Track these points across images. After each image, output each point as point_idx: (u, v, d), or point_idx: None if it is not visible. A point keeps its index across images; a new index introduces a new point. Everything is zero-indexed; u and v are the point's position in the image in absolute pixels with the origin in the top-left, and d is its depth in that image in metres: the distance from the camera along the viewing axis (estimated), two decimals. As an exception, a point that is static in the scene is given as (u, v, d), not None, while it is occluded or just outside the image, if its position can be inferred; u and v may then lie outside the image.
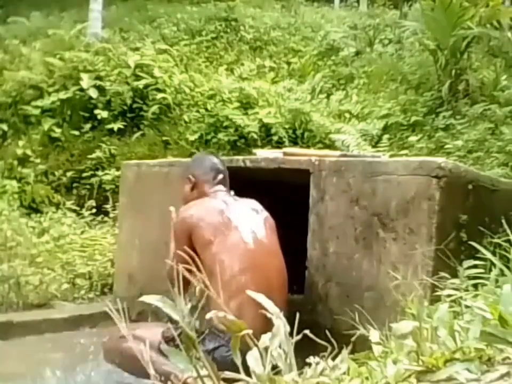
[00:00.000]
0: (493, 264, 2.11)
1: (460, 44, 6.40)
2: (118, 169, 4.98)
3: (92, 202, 5.34)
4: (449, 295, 1.84)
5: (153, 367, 1.15)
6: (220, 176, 2.80)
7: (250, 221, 2.64)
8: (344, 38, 8.71)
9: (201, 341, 2.33)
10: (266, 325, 1.57)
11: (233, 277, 2.45)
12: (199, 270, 1.20)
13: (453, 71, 6.42)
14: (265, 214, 2.70)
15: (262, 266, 2.52)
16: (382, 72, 7.48)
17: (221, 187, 2.78)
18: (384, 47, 8.54)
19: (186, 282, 1.17)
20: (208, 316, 1.18)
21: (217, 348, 2.35)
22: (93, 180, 5.69)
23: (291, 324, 1.30)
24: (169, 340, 2.37)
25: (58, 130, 5.98)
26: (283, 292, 2.55)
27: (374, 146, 5.81)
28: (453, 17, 6.23)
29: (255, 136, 5.90)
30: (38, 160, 5.83)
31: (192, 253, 1.34)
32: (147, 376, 1.37)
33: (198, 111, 6.21)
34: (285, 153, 3.17)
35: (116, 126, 6.05)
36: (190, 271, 1.23)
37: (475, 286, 1.95)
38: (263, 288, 2.31)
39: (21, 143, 5.91)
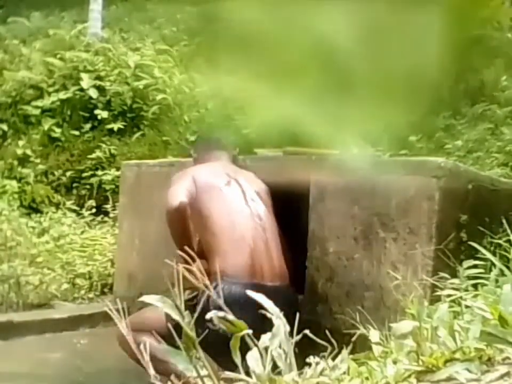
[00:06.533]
0: (493, 264, 2.11)
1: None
2: (118, 169, 4.98)
3: (92, 202, 5.34)
4: (449, 295, 1.84)
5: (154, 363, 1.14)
6: (214, 147, 2.94)
7: (242, 185, 2.71)
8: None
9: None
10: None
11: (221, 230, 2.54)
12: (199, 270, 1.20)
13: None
14: (261, 186, 2.78)
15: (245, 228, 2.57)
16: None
17: (217, 156, 2.89)
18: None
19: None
20: (208, 316, 1.18)
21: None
22: (93, 179, 5.69)
23: (291, 324, 1.30)
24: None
25: (58, 130, 5.98)
26: (274, 263, 2.55)
27: (373, 146, 5.80)
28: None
29: (256, 135, 5.90)
30: (38, 160, 5.83)
31: (192, 253, 1.33)
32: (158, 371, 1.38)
33: (198, 111, 6.21)
34: (285, 152, 3.17)
35: (116, 126, 6.05)
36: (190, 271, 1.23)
37: (475, 286, 1.95)
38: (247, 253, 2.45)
39: (21, 143, 5.91)
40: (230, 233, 2.52)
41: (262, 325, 2.45)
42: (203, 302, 2.27)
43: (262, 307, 1.31)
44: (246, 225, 2.56)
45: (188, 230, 2.55)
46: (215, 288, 2.33)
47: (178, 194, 2.60)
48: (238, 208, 2.61)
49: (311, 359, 1.25)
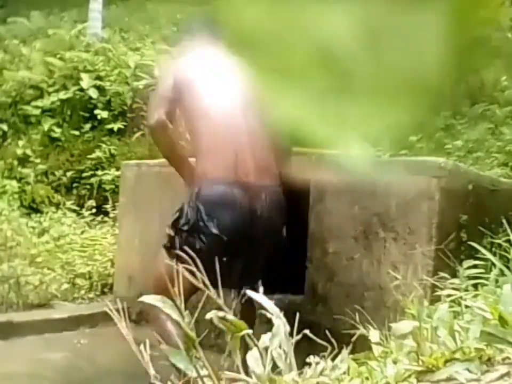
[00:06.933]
0: (493, 264, 2.11)
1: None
2: (118, 169, 4.97)
3: (92, 202, 5.34)
4: (449, 295, 1.84)
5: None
6: (206, 32, 2.64)
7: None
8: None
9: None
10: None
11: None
12: (198, 270, 1.20)
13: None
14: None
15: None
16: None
17: (208, 41, 2.59)
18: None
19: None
20: (208, 316, 1.18)
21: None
22: (93, 179, 5.69)
23: (291, 324, 1.30)
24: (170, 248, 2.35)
25: (58, 130, 5.98)
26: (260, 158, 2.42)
27: (374, 146, 5.79)
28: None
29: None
30: (38, 160, 5.83)
31: (192, 253, 1.33)
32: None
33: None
34: (285, 153, 3.17)
35: (116, 126, 6.05)
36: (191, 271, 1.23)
37: (475, 286, 1.95)
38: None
39: (21, 143, 5.92)
40: (213, 132, 2.38)
41: (246, 224, 2.41)
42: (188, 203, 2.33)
43: (262, 307, 1.31)
44: (231, 122, 2.40)
45: (175, 147, 2.44)
46: (199, 190, 2.32)
47: (155, 111, 2.42)
48: (222, 105, 2.43)
49: (311, 359, 1.25)
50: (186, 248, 2.23)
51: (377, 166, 2.59)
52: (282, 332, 1.23)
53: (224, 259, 2.19)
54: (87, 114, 6.11)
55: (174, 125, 2.45)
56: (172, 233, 2.36)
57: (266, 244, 2.40)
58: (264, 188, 2.38)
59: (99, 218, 5.16)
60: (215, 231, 2.26)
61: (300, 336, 1.29)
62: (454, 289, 1.90)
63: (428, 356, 1.14)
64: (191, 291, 1.13)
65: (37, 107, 6.04)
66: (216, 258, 2.19)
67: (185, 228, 2.31)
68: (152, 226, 3.55)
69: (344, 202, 2.67)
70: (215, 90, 2.47)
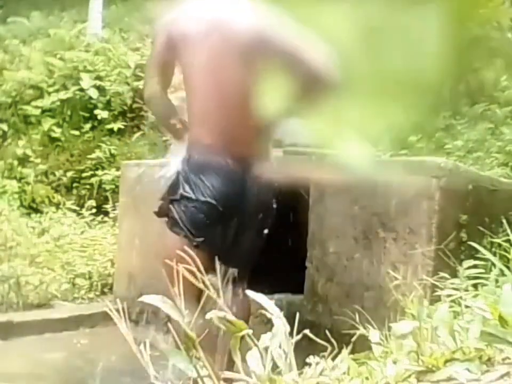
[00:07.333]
0: (493, 264, 2.11)
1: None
2: (118, 169, 4.98)
3: (92, 202, 5.35)
4: (449, 295, 1.84)
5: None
6: None
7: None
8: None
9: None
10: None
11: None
12: (199, 270, 1.20)
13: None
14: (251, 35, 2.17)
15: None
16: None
17: None
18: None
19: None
20: (208, 315, 1.18)
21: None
22: (93, 179, 5.69)
23: (291, 324, 1.30)
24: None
25: (58, 130, 5.99)
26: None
27: (374, 146, 5.79)
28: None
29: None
30: (38, 160, 5.83)
31: (191, 251, 1.32)
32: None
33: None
34: (285, 152, 3.17)
35: (116, 126, 6.05)
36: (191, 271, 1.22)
37: (475, 286, 1.95)
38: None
39: (21, 143, 5.92)
40: (203, 98, 2.23)
41: (239, 194, 2.33)
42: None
43: (262, 307, 1.31)
44: (221, 89, 2.21)
45: (171, 117, 2.35)
46: (189, 158, 2.26)
47: (149, 82, 2.32)
48: (213, 68, 2.21)
49: (311, 359, 1.25)
50: (183, 217, 2.22)
51: (377, 166, 2.59)
52: (282, 332, 1.23)
53: (219, 228, 2.18)
54: (87, 114, 6.12)
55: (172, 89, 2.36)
56: (166, 204, 2.31)
57: (257, 217, 2.30)
58: (255, 161, 2.26)
59: (99, 218, 5.17)
60: (210, 200, 2.18)
61: (300, 336, 1.29)
62: (454, 289, 1.90)
63: (428, 356, 1.14)
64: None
65: (37, 107, 6.04)
66: (211, 227, 2.15)
67: (179, 196, 2.24)
68: (152, 226, 3.55)
69: (344, 202, 2.67)
70: (210, 49, 2.20)
